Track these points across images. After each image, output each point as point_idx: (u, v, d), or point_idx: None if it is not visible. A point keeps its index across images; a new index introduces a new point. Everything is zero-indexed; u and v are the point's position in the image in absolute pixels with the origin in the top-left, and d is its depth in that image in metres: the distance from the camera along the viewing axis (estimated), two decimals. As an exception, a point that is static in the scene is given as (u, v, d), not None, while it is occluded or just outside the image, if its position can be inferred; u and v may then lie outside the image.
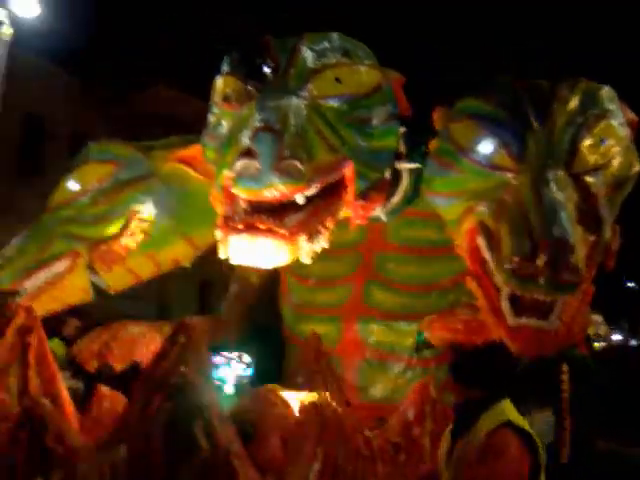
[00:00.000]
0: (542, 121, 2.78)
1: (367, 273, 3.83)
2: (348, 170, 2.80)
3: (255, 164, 2.45)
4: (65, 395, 2.31)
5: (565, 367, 3.11)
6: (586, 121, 2.79)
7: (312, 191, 2.61)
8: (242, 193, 2.55)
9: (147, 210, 3.76)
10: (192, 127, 3.62)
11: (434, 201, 3.15)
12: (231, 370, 3.73)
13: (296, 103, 2.69)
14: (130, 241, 3.75)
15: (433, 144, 3.23)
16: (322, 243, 2.71)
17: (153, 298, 10.40)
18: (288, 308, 4.28)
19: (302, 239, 2.61)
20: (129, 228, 3.74)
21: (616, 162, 2.84)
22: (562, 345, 2.65)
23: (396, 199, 3.53)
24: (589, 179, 2.74)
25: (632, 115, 3.04)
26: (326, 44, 2.94)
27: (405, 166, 3.45)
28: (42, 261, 3.64)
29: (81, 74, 7.64)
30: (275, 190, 2.50)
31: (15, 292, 3.63)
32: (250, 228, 2.55)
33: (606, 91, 2.92)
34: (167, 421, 1.95)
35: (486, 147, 2.84)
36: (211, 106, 3.12)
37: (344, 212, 2.92)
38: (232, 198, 2.69)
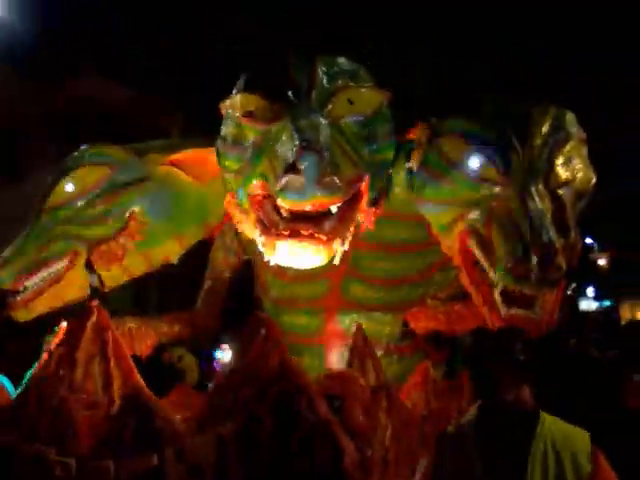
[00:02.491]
0: (522, 142, 3.27)
1: (344, 269, 4.22)
2: (364, 182, 3.18)
3: (300, 179, 2.79)
4: (145, 386, 2.52)
5: None
6: (557, 142, 3.31)
7: (342, 202, 2.98)
8: (286, 204, 2.88)
9: (143, 212, 3.97)
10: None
11: (424, 208, 3.57)
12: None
13: (324, 123, 3.04)
14: (128, 241, 3.95)
15: (416, 155, 3.65)
16: (346, 246, 3.08)
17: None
18: (268, 302, 4.60)
19: (336, 243, 2.98)
20: (127, 229, 3.94)
21: (579, 177, 3.39)
22: (544, 330, 3.16)
23: None
24: (561, 192, 3.26)
25: (583, 135, 3.59)
26: (336, 68, 3.30)
27: None
28: (42, 260, 3.76)
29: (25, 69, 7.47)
30: (317, 202, 2.85)
31: (17, 291, 3.74)
32: (294, 234, 2.89)
33: (570, 116, 3.45)
34: (275, 402, 2.25)
35: (475, 162, 3.30)
36: (227, 119, 3.38)
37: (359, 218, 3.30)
38: (262, 205, 3.00)
